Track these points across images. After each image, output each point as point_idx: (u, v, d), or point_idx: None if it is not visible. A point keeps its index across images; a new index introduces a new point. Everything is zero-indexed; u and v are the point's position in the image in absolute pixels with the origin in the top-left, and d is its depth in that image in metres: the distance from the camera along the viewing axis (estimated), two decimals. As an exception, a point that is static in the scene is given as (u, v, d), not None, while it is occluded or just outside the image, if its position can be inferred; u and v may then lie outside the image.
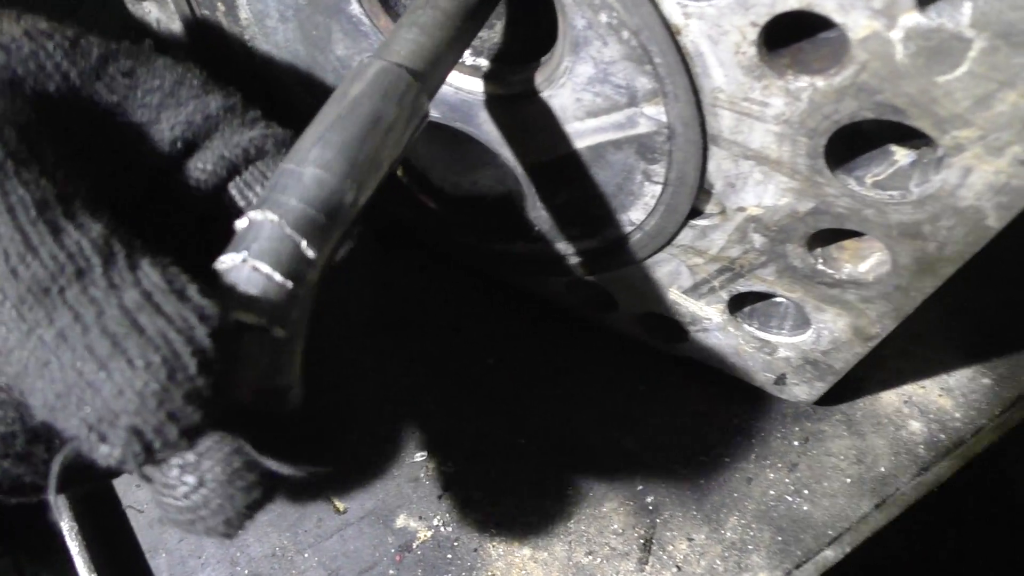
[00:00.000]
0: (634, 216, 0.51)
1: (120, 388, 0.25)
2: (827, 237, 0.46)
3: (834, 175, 0.40)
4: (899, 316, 0.47)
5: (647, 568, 0.56)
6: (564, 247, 0.57)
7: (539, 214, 0.55)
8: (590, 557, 0.56)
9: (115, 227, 0.29)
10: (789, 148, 0.40)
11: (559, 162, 0.50)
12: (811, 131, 0.39)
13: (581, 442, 0.61)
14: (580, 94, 0.45)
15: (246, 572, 0.56)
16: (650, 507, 0.58)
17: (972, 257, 0.41)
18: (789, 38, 0.37)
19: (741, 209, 0.46)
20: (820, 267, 0.47)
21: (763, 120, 0.40)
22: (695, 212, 0.48)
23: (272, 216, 0.30)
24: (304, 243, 0.30)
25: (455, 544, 0.57)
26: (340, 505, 0.59)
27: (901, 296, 0.45)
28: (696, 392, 0.64)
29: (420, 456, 0.61)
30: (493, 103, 0.49)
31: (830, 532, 0.57)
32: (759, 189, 0.44)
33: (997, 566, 0.89)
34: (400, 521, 0.58)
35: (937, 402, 0.62)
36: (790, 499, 0.58)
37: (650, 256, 0.53)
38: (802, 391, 0.59)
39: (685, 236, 0.50)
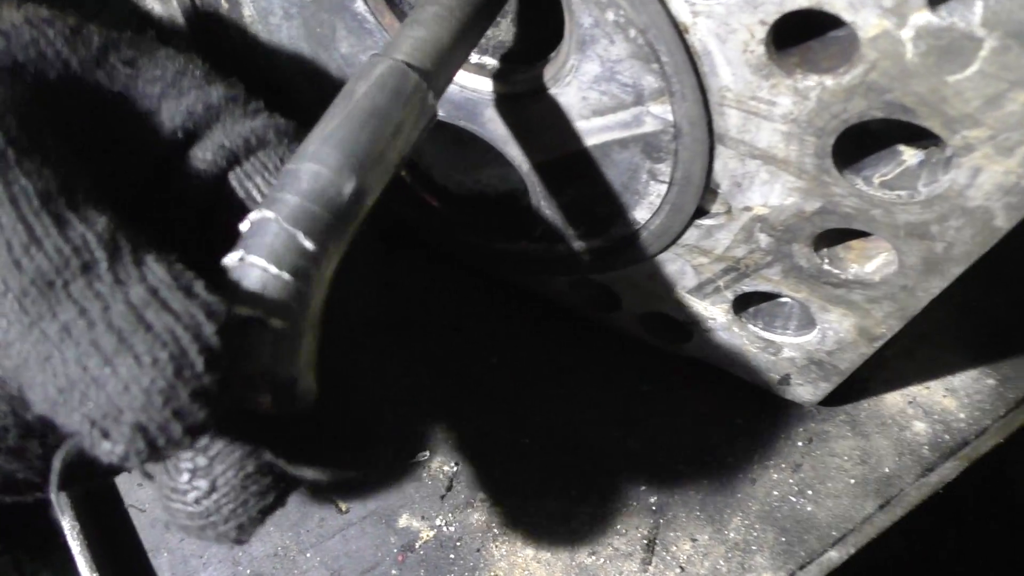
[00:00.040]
0: (639, 215, 0.50)
1: (126, 384, 0.25)
2: (833, 237, 0.46)
3: (842, 175, 0.40)
4: (905, 317, 0.47)
5: (650, 568, 0.55)
6: (568, 246, 0.57)
7: (543, 213, 0.55)
8: (593, 557, 0.56)
9: (119, 221, 0.29)
10: (796, 147, 0.40)
11: (564, 161, 0.50)
12: (819, 130, 0.39)
13: (584, 442, 0.61)
14: (586, 92, 0.44)
15: (248, 572, 0.56)
16: (653, 507, 0.58)
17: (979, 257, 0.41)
18: (798, 37, 0.37)
19: (747, 209, 0.46)
20: (826, 267, 0.47)
21: (770, 119, 0.39)
22: (701, 211, 0.48)
23: (268, 214, 0.30)
24: (300, 235, 0.30)
25: (458, 544, 0.57)
26: (342, 505, 0.59)
27: (907, 296, 0.45)
28: (700, 392, 0.63)
29: (422, 456, 0.61)
30: (498, 101, 0.49)
31: (834, 533, 0.56)
32: (765, 188, 0.44)
33: (997, 566, 0.89)
34: (402, 521, 0.58)
35: (941, 403, 0.62)
36: (794, 500, 0.58)
37: (654, 255, 0.53)
38: (806, 392, 0.59)
39: (690, 236, 0.50)
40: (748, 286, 0.51)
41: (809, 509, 0.57)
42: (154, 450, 0.25)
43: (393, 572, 0.56)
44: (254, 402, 0.29)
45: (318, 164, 0.32)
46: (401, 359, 0.66)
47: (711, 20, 0.37)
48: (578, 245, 0.56)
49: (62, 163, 0.31)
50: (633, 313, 0.60)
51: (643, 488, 0.59)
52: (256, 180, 0.38)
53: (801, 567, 0.55)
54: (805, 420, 0.62)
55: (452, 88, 0.49)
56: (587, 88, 0.44)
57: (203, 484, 0.29)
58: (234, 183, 0.38)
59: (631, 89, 0.43)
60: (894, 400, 0.62)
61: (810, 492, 0.58)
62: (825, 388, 0.57)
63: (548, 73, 0.46)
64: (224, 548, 0.56)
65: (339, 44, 0.52)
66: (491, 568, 0.56)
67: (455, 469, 0.60)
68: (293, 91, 0.59)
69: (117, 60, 0.37)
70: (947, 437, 0.60)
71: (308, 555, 0.57)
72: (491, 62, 0.49)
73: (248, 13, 0.54)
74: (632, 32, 0.39)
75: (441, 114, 0.51)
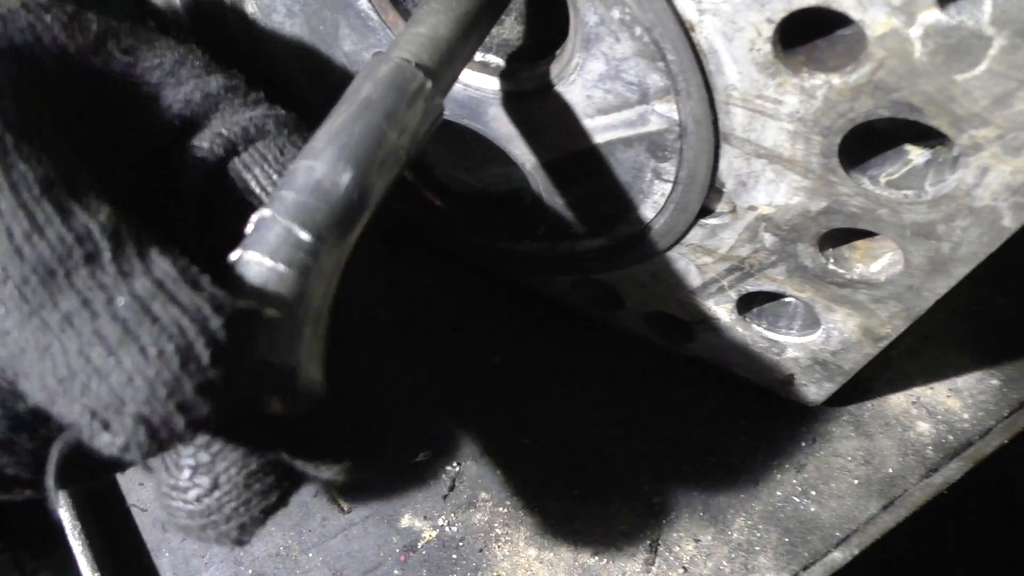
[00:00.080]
0: (643, 214, 0.50)
1: (130, 375, 0.25)
2: (839, 237, 0.45)
3: (848, 174, 0.40)
4: (910, 317, 0.47)
5: (653, 569, 0.55)
6: (571, 245, 0.57)
7: (546, 212, 0.55)
8: (596, 558, 0.56)
9: (121, 212, 0.29)
10: (803, 146, 0.40)
11: (568, 159, 0.50)
12: (825, 129, 0.38)
13: (587, 442, 0.61)
14: (591, 91, 0.44)
15: (250, 572, 0.56)
16: (657, 508, 0.58)
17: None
18: (804, 35, 0.37)
19: (752, 208, 0.45)
20: (831, 267, 0.46)
21: (777, 118, 0.39)
22: (705, 211, 0.48)
23: (266, 212, 0.31)
24: (295, 227, 0.30)
25: (460, 544, 0.57)
26: (345, 505, 0.58)
27: (913, 296, 0.45)
28: (703, 393, 0.63)
29: (424, 456, 0.61)
30: (502, 100, 0.48)
31: (837, 533, 0.56)
32: (771, 188, 0.43)
33: (1000, 567, 0.89)
34: (405, 521, 0.58)
35: (945, 403, 0.62)
36: (797, 500, 0.58)
37: (659, 255, 0.52)
38: (810, 392, 0.58)
39: (695, 235, 0.49)
40: (752, 286, 0.51)
41: (813, 509, 0.57)
42: (155, 443, 0.25)
43: (395, 572, 0.56)
44: (261, 400, 0.29)
45: (313, 160, 0.32)
46: (403, 358, 0.66)
47: (717, 18, 0.36)
48: (581, 244, 0.56)
49: (61, 150, 0.30)
50: (636, 313, 0.60)
51: (646, 488, 0.59)
52: (255, 171, 0.38)
53: (805, 568, 0.55)
54: (809, 420, 0.61)
55: (456, 86, 0.49)
56: (592, 86, 0.44)
57: (205, 481, 0.29)
58: (233, 174, 0.38)
59: (636, 87, 0.42)
60: (898, 400, 0.62)
61: (814, 492, 0.58)
62: (829, 388, 0.57)
63: (552, 72, 0.45)
64: (226, 548, 0.56)
65: (342, 42, 0.51)
66: (494, 568, 0.56)
67: (457, 469, 0.60)
68: (295, 89, 0.59)
69: (115, 47, 0.37)
70: (951, 438, 0.60)
71: (310, 555, 0.56)
72: (495, 60, 0.49)
73: (250, 10, 0.54)
74: (638, 30, 0.39)
75: (445, 112, 0.51)
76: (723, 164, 0.44)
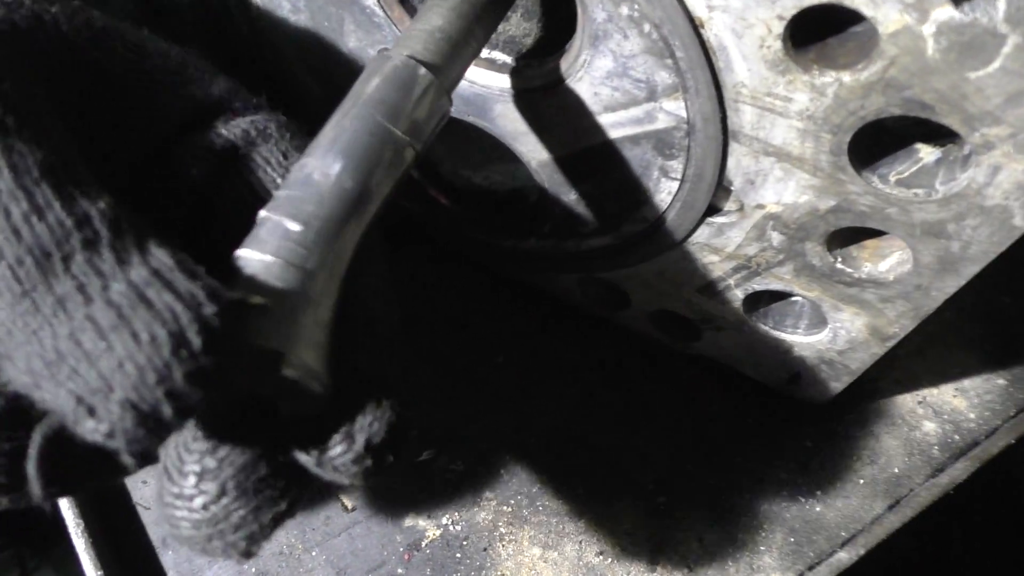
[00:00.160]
0: (650, 212, 0.50)
1: (120, 360, 0.24)
2: (847, 235, 0.45)
3: (857, 172, 0.40)
4: (918, 316, 0.46)
5: (658, 568, 0.55)
6: (577, 243, 0.56)
7: (552, 209, 0.55)
8: (600, 557, 0.56)
9: (120, 203, 0.28)
10: (812, 144, 0.40)
11: (574, 157, 0.49)
12: (835, 127, 0.38)
13: (591, 441, 0.61)
14: (598, 88, 0.44)
15: (253, 570, 0.56)
16: (661, 507, 0.58)
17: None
18: (815, 33, 0.36)
19: (760, 206, 0.45)
20: (839, 266, 0.46)
21: (786, 116, 0.39)
22: (712, 209, 0.47)
23: (263, 213, 0.31)
24: (285, 219, 0.31)
25: (464, 543, 0.57)
26: (348, 503, 0.58)
27: (921, 296, 0.45)
28: (708, 391, 0.63)
29: (428, 454, 0.61)
30: (508, 97, 0.48)
31: (843, 533, 0.56)
32: (779, 186, 0.43)
33: (1003, 567, 0.89)
34: (409, 520, 0.58)
35: (951, 403, 0.62)
36: (803, 500, 0.58)
37: (665, 253, 0.52)
38: (816, 391, 0.58)
39: (701, 233, 0.49)
40: (759, 284, 0.51)
41: (818, 509, 0.57)
42: (141, 430, 0.24)
43: (399, 571, 0.55)
44: (262, 392, 0.28)
45: (306, 157, 0.33)
46: (406, 357, 0.65)
47: (727, 15, 0.36)
48: (587, 242, 0.56)
49: (62, 137, 0.30)
50: (642, 311, 0.60)
51: (651, 487, 0.58)
52: (257, 174, 0.38)
53: (810, 568, 0.55)
54: (814, 419, 0.61)
55: (462, 83, 0.48)
56: (599, 84, 0.44)
57: (212, 488, 0.28)
58: (234, 177, 0.38)
59: (644, 85, 0.42)
60: (904, 400, 0.62)
61: (819, 492, 0.58)
62: (835, 388, 0.57)
63: (560, 69, 0.45)
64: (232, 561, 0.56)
65: (347, 38, 0.51)
66: (498, 567, 0.55)
67: (461, 468, 0.60)
68: (300, 86, 0.58)
69: (119, 43, 0.37)
70: (957, 437, 0.60)
71: (314, 553, 0.56)
72: (502, 57, 0.48)
73: (256, 5, 0.54)
74: (646, 27, 0.39)
75: (451, 109, 0.50)
76: (731, 162, 0.43)
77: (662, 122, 0.44)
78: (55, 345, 0.24)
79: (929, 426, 0.61)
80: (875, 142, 0.40)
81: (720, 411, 0.62)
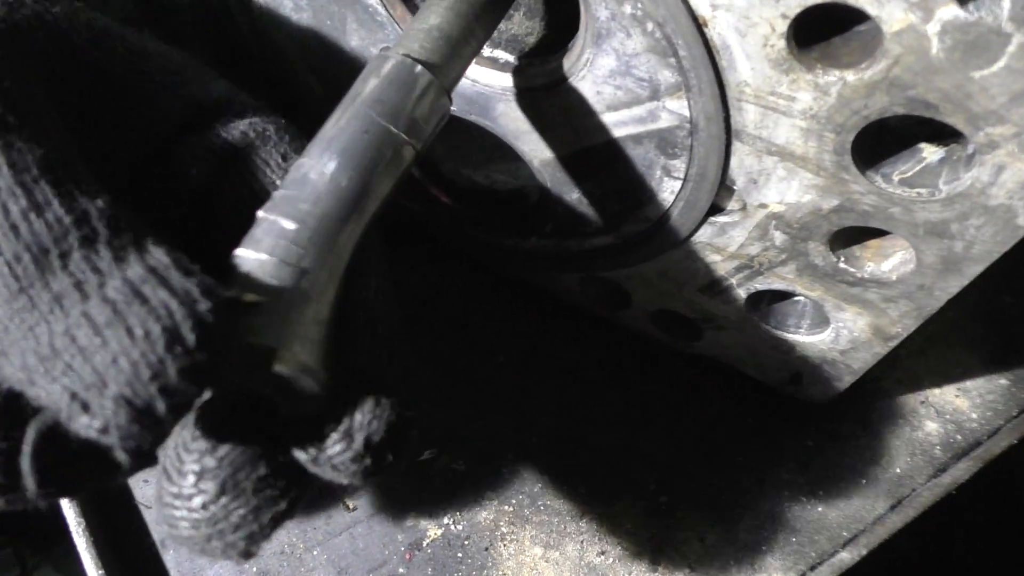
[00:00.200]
0: (652, 212, 0.50)
1: (115, 356, 0.24)
2: (850, 235, 0.45)
3: (861, 172, 0.40)
4: (921, 316, 0.46)
5: (660, 568, 0.55)
6: (578, 242, 0.56)
7: (554, 209, 0.54)
8: (602, 557, 0.56)
9: (119, 202, 0.29)
10: (815, 144, 0.39)
11: (576, 156, 0.49)
12: (839, 126, 0.38)
13: (593, 441, 0.61)
14: (601, 87, 0.44)
15: (254, 569, 0.55)
16: (663, 507, 0.58)
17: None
18: (818, 32, 0.36)
19: (763, 206, 0.45)
20: (842, 265, 0.46)
21: (789, 115, 0.39)
22: (715, 208, 0.47)
23: (260, 214, 0.32)
24: (280, 218, 0.31)
25: (466, 543, 0.56)
26: (350, 502, 0.58)
27: (924, 296, 0.44)
28: (710, 391, 0.63)
29: (430, 454, 0.60)
30: (511, 96, 0.48)
31: (845, 533, 0.56)
32: (782, 186, 0.43)
33: (1005, 567, 0.89)
34: (410, 519, 0.58)
35: (954, 403, 0.61)
36: (804, 500, 0.58)
37: (667, 252, 0.52)
38: (818, 391, 0.58)
39: (704, 233, 0.49)
40: (761, 284, 0.51)
41: (820, 509, 0.57)
42: (134, 426, 0.24)
43: (400, 570, 0.55)
44: (259, 390, 0.28)
45: (303, 157, 0.33)
46: (407, 357, 0.65)
47: (731, 13, 0.36)
48: (589, 241, 0.55)
49: (62, 135, 0.30)
50: (643, 311, 0.60)
51: (652, 487, 0.58)
52: (257, 176, 0.38)
53: (812, 568, 0.55)
54: (816, 419, 0.61)
55: (464, 82, 0.48)
56: (602, 82, 0.43)
57: (211, 487, 0.28)
58: (233, 178, 0.38)
59: (647, 84, 0.42)
60: (906, 400, 0.62)
61: (821, 492, 0.58)
62: (837, 387, 0.57)
63: (562, 67, 0.45)
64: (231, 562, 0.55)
65: (349, 37, 0.51)
66: (499, 567, 0.55)
67: (463, 467, 0.60)
68: (301, 85, 0.58)
69: (119, 44, 0.37)
70: (959, 437, 0.60)
71: (315, 553, 0.56)
72: (504, 56, 0.48)
73: (258, 4, 0.53)
74: (650, 25, 0.39)
75: (452, 108, 0.50)
76: (734, 161, 0.43)
77: (665, 121, 0.43)
78: (50, 341, 0.25)
79: (931, 426, 0.60)
80: (878, 141, 0.40)
81: (722, 411, 0.62)
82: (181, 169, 0.38)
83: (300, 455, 0.30)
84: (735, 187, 0.45)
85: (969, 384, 0.62)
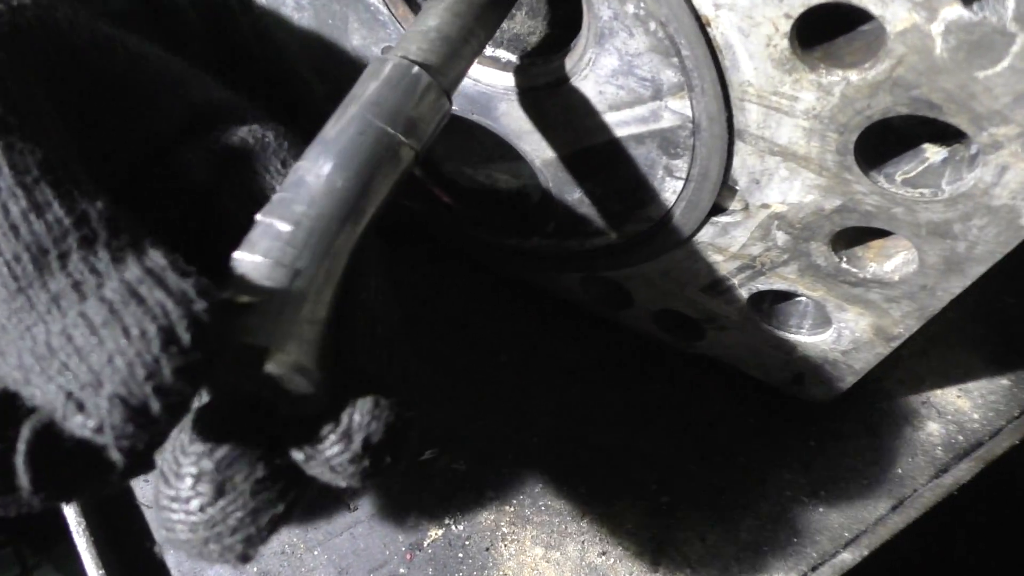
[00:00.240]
0: (654, 212, 0.50)
1: (110, 355, 0.24)
2: (852, 235, 0.45)
3: (863, 172, 0.40)
4: (924, 316, 0.46)
5: (660, 568, 0.55)
6: (580, 242, 0.56)
7: (556, 208, 0.54)
8: (603, 557, 0.55)
9: (118, 203, 0.29)
10: (818, 144, 0.39)
11: (578, 156, 0.49)
12: (842, 126, 0.38)
13: (593, 441, 0.60)
14: (603, 87, 0.44)
15: (255, 569, 0.55)
16: (664, 507, 0.57)
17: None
18: (822, 31, 0.36)
19: (765, 206, 0.45)
20: (844, 266, 0.46)
21: (792, 115, 0.39)
22: (717, 208, 0.47)
23: (258, 217, 0.32)
24: (277, 222, 0.31)
25: (466, 543, 0.56)
26: (351, 502, 0.58)
27: (927, 296, 0.44)
28: (711, 391, 0.63)
29: (431, 454, 0.60)
30: (513, 95, 0.48)
31: (846, 534, 0.56)
32: (784, 186, 0.43)
33: (1007, 568, 0.89)
34: (411, 519, 0.57)
35: (955, 403, 0.61)
36: (806, 500, 0.57)
37: (669, 252, 0.52)
38: (819, 391, 0.58)
39: (706, 233, 0.49)
40: (763, 284, 0.51)
41: (821, 510, 0.57)
42: (129, 425, 0.24)
43: (401, 571, 0.55)
44: (255, 390, 0.28)
45: (301, 160, 0.33)
46: (408, 358, 0.65)
47: (734, 13, 0.36)
48: (591, 241, 0.55)
49: (63, 137, 0.30)
50: (645, 311, 0.60)
51: (654, 487, 0.58)
52: (256, 181, 0.38)
53: (813, 568, 0.55)
54: (818, 419, 0.61)
55: (465, 82, 0.48)
56: (604, 82, 0.43)
57: (208, 490, 0.27)
58: (231, 182, 0.38)
59: (649, 83, 0.42)
60: (908, 400, 0.62)
61: (822, 492, 0.58)
62: (839, 388, 0.57)
63: (564, 67, 0.45)
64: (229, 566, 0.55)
65: (351, 36, 0.51)
66: (500, 567, 0.55)
67: (464, 467, 0.60)
68: (302, 85, 0.58)
69: (121, 48, 0.37)
70: (961, 438, 0.60)
71: (316, 553, 0.56)
72: (506, 55, 0.48)
73: (259, 3, 0.53)
74: (652, 25, 0.39)
75: (454, 108, 0.50)
76: (736, 161, 0.43)
77: (667, 121, 0.43)
78: (47, 340, 0.25)
79: (933, 426, 0.60)
80: (881, 141, 0.40)
81: (723, 411, 0.62)
82: (181, 171, 0.38)
83: (298, 456, 0.30)
84: (737, 187, 0.45)
85: (971, 385, 0.62)
